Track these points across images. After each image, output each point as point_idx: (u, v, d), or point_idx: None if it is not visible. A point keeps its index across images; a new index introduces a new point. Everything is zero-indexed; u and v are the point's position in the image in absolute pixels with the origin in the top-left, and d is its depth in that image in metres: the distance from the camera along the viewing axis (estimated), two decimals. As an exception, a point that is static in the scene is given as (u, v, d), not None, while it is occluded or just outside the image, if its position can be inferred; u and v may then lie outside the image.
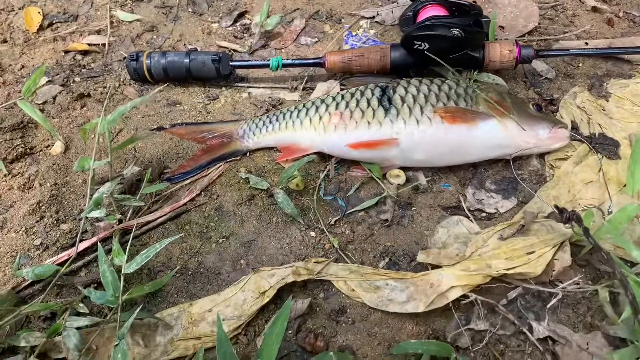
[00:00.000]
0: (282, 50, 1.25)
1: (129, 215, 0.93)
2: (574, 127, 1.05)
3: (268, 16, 1.25)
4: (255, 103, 1.14)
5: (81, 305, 0.81)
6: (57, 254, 0.89)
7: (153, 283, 0.82)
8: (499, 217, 0.95)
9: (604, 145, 1.00)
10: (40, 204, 0.95)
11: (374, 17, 1.30)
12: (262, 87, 1.18)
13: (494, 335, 0.80)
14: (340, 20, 1.30)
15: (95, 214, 0.87)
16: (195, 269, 0.89)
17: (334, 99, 1.02)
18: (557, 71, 1.15)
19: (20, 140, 1.05)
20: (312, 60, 1.13)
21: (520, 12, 1.24)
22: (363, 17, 1.30)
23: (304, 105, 1.03)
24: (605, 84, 1.12)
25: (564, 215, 0.84)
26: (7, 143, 1.04)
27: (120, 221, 0.92)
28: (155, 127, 1.08)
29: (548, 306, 0.81)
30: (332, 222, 0.93)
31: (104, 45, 1.27)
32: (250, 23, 1.31)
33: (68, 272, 0.85)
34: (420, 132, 0.94)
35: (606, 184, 0.94)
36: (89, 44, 1.27)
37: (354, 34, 1.26)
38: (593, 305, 0.82)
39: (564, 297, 0.82)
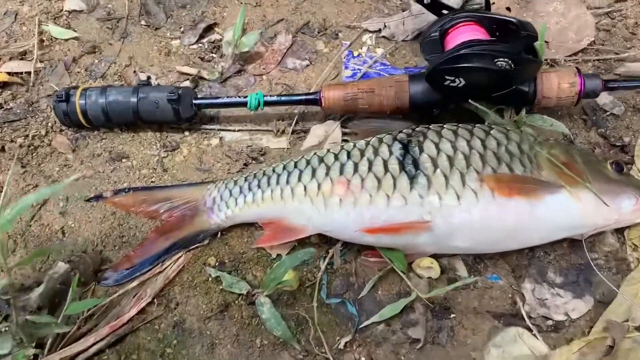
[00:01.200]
0: (264, 77, 0.97)
1: (49, 342, 0.65)
2: (658, 186, 0.78)
3: (243, 32, 0.96)
4: (229, 154, 0.86)
5: None
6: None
7: None
8: (571, 325, 0.68)
9: None
10: None
11: (380, 30, 1.01)
12: (239, 130, 0.90)
13: None
14: (337, 34, 1.02)
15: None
16: None
17: (336, 157, 0.74)
18: (625, 103, 0.87)
19: None
20: (304, 97, 0.85)
21: (569, 24, 0.96)
22: (366, 31, 1.01)
23: (295, 165, 0.75)
24: (690, 121, 0.85)
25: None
26: None
27: (36, 356, 0.63)
28: (92, 195, 0.79)
29: None
30: (340, 346, 0.66)
31: (29, 74, 0.97)
32: (220, 40, 1.01)
33: None
34: (463, 211, 0.66)
35: None
36: (9, 73, 0.96)
37: (355, 54, 0.98)
38: None
39: None
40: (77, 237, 0.77)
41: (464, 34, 0.77)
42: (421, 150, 0.71)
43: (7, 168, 0.84)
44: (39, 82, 0.97)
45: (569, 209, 0.67)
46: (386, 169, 0.70)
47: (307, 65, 0.98)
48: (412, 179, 0.68)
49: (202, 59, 1.00)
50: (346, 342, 0.66)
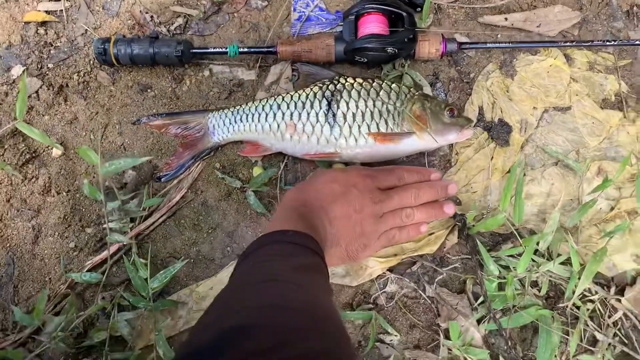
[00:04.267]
0: (235, 15, 1.35)
1: (137, 218, 1.23)
2: (480, 113, 1.31)
3: (218, -21, 1.31)
4: (217, 84, 1.31)
5: (123, 297, 1.18)
6: (89, 255, 1.21)
7: (167, 272, 1.18)
8: (414, 197, 1.29)
9: (500, 133, 1.29)
10: (66, 216, 1.22)
11: (320, -29, 1.36)
12: (221, 64, 1.33)
13: (401, 296, 1.24)
14: (288, -27, 1.36)
15: (112, 225, 1.18)
16: (195, 256, 1.24)
17: (287, 105, 1.22)
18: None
19: (23, 144, 1.24)
20: (265, 49, 1.27)
21: (454, -24, 1.34)
22: (310, -29, 1.36)
23: (263, 108, 1.23)
24: (515, 59, 1.34)
25: (455, 217, 1.21)
26: (12, 149, 1.24)
27: (132, 227, 1.22)
28: (134, 119, 1.28)
29: (436, 280, 1.24)
30: (291, 214, 1.26)
31: (61, 11, 1.32)
32: (201, -25, 1.35)
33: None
34: (358, 148, 1.20)
35: (490, 173, 1.27)
36: (46, 12, 1.31)
37: (301, -4, 1.35)
38: (466, 274, 1.25)
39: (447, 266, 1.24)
40: (134, 149, 1.28)
41: (370, 23, 1.19)
42: (338, 107, 1.20)
43: (75, 101, 1.29)
44: (71, 20, 1.33)
45: (418, 145, 1.21)
46: (317, 119, 1.20)
47: (266, 6, 1.35)
48: (331, 128, 1.20)
49: (188, -5, 1.35)
50: (294, 212, 1.27)
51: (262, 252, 0.88)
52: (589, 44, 1.26)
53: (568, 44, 1.27)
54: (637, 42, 1.25)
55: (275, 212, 1.10)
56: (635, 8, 1.36)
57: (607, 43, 1.26)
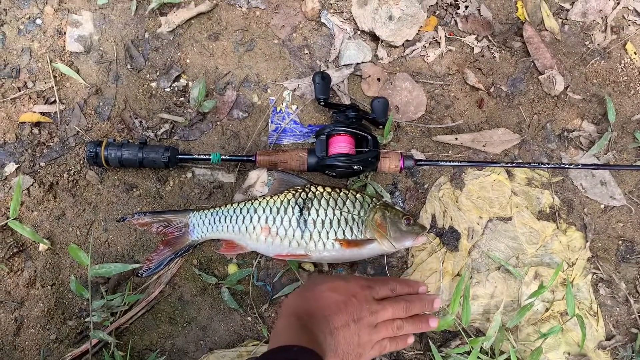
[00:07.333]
0: (218, 124, 1.49)
1: (118, 313, 1.31)
2: (433, 220, 1.48)
3: (205, 97, 1.46)
4: (198, 186, 1.44)
5: (100, 391, 1.24)
6: (69, 347, 1.28)
7: (144, 366, 1.26)
8: (374, 296, 1.42)
9: (450, 239, 1.46)
10: (49, 309, 1.29)
11: (295, 89, 1.53)
12: (203, 167, 1.46)
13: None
14: (267, 89, 1.52)
15: (95, 319, 1.26)
16: (170, 349, 1.32)
17: (263, 210, 1.35)
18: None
19: (12, 238, 1.32)
20: (245, 158, 1.41)
21: (412, 99, 1.53)
22: (286, 88, 1.53)
23: (240, 211, 1.36)
24: (464, 173, 1.52)
25: (411, 318, 1.35)
26: (0, 243, 1.31)
27: (112, 321, 1.30)
28: (119, 217, 1.38)
29: (393, 374, 1.36)
30: (262, 310, 1.37)
31: (55, 113, 1.43)
32: (187, 85, 1.49)
33: (83, 362, 1.26)
34: (326, 251, 1.33)
35: (441, 275, 1.42)
36: (41, 113, 1.42)
37: (278, 109, 1.51)
38: (420, 363, 1.38)
39: (403, 364, 1.37)
40: (117, 246, 1.38)
41: (339, 143, 1.35)
42: (309, 214, 1.34)
43: (64, 198, 1.38)
44: (64, 121, 1.44)
45: (379, 249, 1.35)
46: (290, 224, 1.34)
47: (246, 117, 1.51)
48: (302, 232, 1.33)
49: (175, 104, 1.49)
50: (265, 307, 1.38)
51: None
52: (527, 165, 1.46)
53: (510, 164, 1.46)
54: (566, 166, 1.46)
55: (278, 322, 1.15)
56: (565, 132, 1.58)
57: (542, 165, 1.46)
